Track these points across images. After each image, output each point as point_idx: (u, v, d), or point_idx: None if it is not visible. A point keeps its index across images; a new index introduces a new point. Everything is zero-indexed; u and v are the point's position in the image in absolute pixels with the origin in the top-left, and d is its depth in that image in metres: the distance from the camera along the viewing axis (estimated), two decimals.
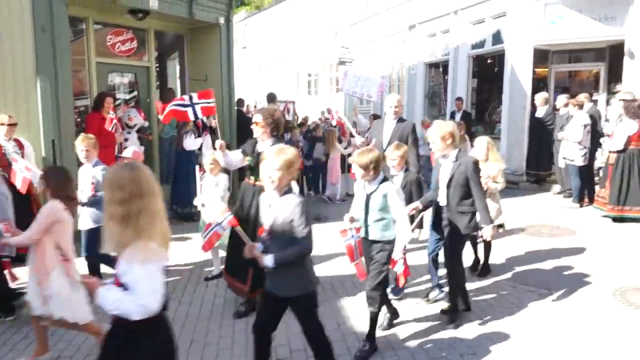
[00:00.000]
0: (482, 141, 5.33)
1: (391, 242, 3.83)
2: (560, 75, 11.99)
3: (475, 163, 4.26)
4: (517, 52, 10.93)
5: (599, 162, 8.59)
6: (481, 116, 12.82)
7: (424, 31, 14.57)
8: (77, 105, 8.22)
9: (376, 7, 17.22)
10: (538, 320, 4.41)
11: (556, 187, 10.01)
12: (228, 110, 9.66)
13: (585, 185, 8.68)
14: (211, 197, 5.54)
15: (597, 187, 8.24)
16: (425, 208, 4.62)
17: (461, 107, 11.49)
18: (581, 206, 8.62)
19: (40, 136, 6.39)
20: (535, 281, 5.32)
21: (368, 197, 3.85)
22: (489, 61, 13.00)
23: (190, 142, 8.23)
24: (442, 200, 4.39)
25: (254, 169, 4.57)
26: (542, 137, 10.15)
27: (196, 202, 5.55)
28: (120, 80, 9.31)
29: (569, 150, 8.59)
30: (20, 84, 6.28)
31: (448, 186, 4.30)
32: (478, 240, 5.52)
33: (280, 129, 4.62)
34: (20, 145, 5.80)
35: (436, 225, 4.56)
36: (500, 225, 5.49)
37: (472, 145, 9.13)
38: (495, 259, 6.11)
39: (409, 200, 4.53)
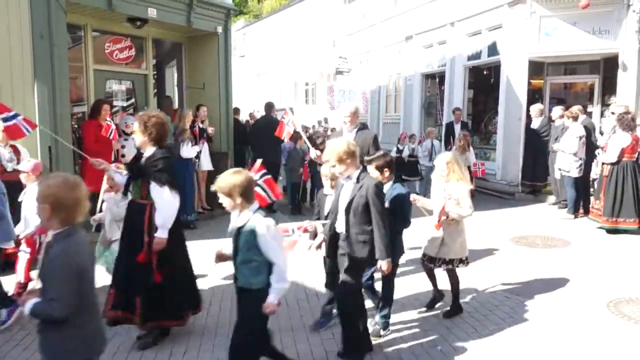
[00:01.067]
0: (442, 159, 4.64)
1: (261, 291, 3.10)
2: (555, 87, 12.06)
3: (378, 185, 3.72)
4: (512, 63, 11.01)
5: (593, 173, 8.63)
6: (477, 127, 12.88)
7: (421, 42, 14.65)
8: (75, 111, 8.24)
9: (373, 18, 17.34)
10: (531, 332, 4.41)
11: (551, 198, 10.04)
12: (225, 118, 9.68)
13: (580, 196, 8.71)
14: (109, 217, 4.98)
15: (592, 199, 8.26)
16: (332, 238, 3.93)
17: (460, 117, 11.51)
18: (576, 217, 8.64)
19: (37, 142, 6.38)
20: (529, 292, 5.32)
21: (238, 231, 3.22)
22: (485, 72, 13.07)
23: (187, 150, 8.23)
24: (340, 227, 3.83)
25: (134, 184, 4.07)
26: (537, 148, 10.19)
27: (93, 221, 5.06)
28: (118, 88, 9.33)
29: (564, 161, 8.62)
30: (18, 90, 6.29)
31: (347, 211, 3.75)
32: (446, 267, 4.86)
33: (163, 138, 4.04)
34: (17, 152, 5.79)
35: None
36: (462, 261, 4.68)
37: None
38: (490, 269, 6.11)
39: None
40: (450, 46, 13.21)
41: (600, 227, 7.69)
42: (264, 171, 4.39)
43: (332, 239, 3.92)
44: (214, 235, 7.77)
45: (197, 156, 8.55)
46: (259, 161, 4.43)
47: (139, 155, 4.19)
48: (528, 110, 10.56)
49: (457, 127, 11.24)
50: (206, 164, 8.91)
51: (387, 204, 3.95)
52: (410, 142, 11.68)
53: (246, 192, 3.13)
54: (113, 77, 9.01)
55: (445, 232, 4.56)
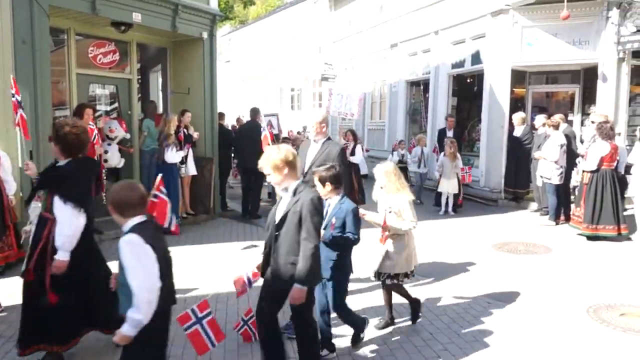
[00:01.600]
0: (379, 169, 4.38)
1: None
2: (537, 96, 12.24)
3: (314, 200, 3.34)
4: (495, 72, 11.15)
5: (574, 180, 8.78)
6: (461, 134, 12.98)
7: (406, 50, 14.78)
8: (57, 116, 8.13)
9: (359, 25, 17.45)
10: (513, 337, 4.46)
11: (533, 205, 10.17)
12: (210, 123, 9.65)
13: (561, 203, 8.84)
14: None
15: (572, 206, 8.39)
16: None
17: (452, 125, 11.45)
18: (557, 224, 8.77)
19: (17, 147, 6.29)
20: (510, 298, 5.38)
21: None
22: (468, 80, 13.22)
23: (172, 155, 8.21)
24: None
25: (45, 195, 3.81)
26: (519, 155, 10.32)
27: (23, 233, 4.50)
28: (101, 92, 9.26)
29: (546, 169, 8.75)
30: None
31: (278, 227, 3.39)
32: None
33: (75, 149, 3.76)
34: None
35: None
36: (407, 275, 4.49)
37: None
38: (471, 276, 6.18)
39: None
40: (434, 54, 13.34)
41: (580, 234, 7.82)
42: (161, 192, 3.87)
43: (267, 258, 3.54)
44: (197, 240, 7.75)
45: (183, 161, 8.52)
46: (159, 176, 3.94)
47: (55, 163, 3.88)
48: (510, 119, 10.70)
49: (450, 134, 11.23)
50: (191, 169, 8.89)
51: (334, 220, 3.81)
52: (400, 149, 11.77)
53: (123, 208, 2.75)
54: (96, 82, 8.94)
55: (390, 245, 4.40)
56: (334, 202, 3.94)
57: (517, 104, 11.70)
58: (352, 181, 5.18)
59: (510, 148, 10.72)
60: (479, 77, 12.19)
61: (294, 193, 3.40)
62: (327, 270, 3.89)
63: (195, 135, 8.96)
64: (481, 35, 11.69)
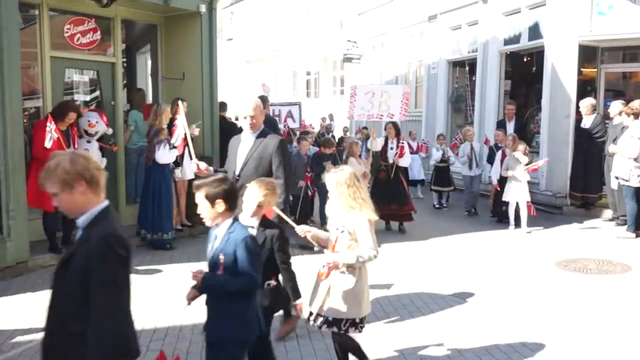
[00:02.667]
0: (330, 179, 4.02)
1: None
2: (611, 77, 12.09)
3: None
4: (558, 48, 11.06)
5: None
6: (521, 127, 12.88)
7: (447, 23, 14.74)
8: (27, 106, 8.28)
9: None
10: None
11: (607, 213, 10.03)
12: (209, 115, 9.71)
13: None
14: None
15: None
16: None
17: (513, 114, 11.36)
18: (638, 236, 8.66)
19: None
20: (579, 329, 5.30)
21: None
22: (525, 59, 13.10)
23: (164, 154, 8.23)
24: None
25: None
26: (590, 151, 10.22)
27: None
28: (79, 78, 9.39)
29: (623, 168, 8.65)
30: None
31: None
32: None
33: None
34: None
35: None
36: (355, 324, 3.99)
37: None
38: (531, 299, 6.10)
39: (266, 268, 3.81)
40: (482, 28, 13.28)
41: None
42: None
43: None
44: (195, 257, 7.78)
45: (177, 162, 8.57)
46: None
47: None
48: (578, 106, 10.59)
49: (510, 127, 11.10)
50: (188, 172, 8.93)
51: (221, 257, 3.31)
52: (439, 144, 11.72)
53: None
54: (74, 66, 9.07)
55: (335, 280, 3.96)
56: (222, 231, 3.41)
57: (586, 88, 11.57)
58: (286, 186, 4.86)
59: (577, 142, 10.62)
60: (538, 55, 12.09)
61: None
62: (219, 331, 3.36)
63: (196, 131, 8.98)
64: (541, 3, 11.61)
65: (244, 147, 4.97)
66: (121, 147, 9.00)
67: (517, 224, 9.41)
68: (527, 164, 9.33)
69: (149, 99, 10.17)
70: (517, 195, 9.39)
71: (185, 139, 8.84)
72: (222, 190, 3.35)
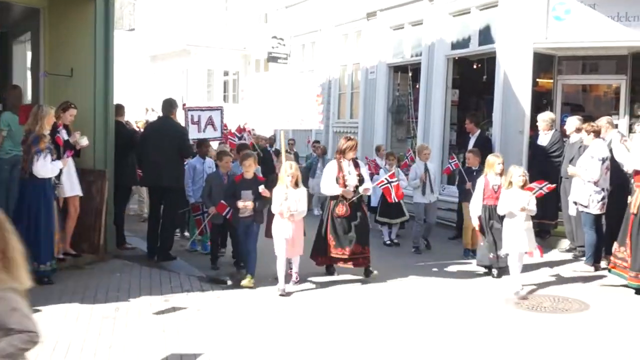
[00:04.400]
0: None
1: None
2: (569, 90, 12.58)
3: None
4: (512, 55, 11.41)
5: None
6: (463, 141, 13.21)
7: (388, 22, 14.99)
8: None
9: None
10: None
11: (564, 243, 10.39)
12: (103, 120, 9.49)
13: (603, 240, 9.01)
14: None
15: (615, 244, 8.52)
16: None
17: (474, 129, 11.50)
18: (597, 269, 8.94)
19: None
20: None
21: None
22: (475, 66, 13.48)
23: (44, 166, 7.95)
24: None
25: None
26: (546, 173, 10.37)
27: None
28: None
29: (582, 192, 8.91)
30: None
31: None
32: None
33: None
34: None
35: None
36: None
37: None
38: (479, 343, 6.21)
39: None
40: (428, 28, 13.56)
41: (626, 285, 7.99)
42: None
43: None
44: (78, 295, 7.52)
45: (59, 176, 8.31)
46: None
47: None
48: (533, 121, 10.95)
49: (472, 142, 11.30)
50: (71, 188, 8.66)
51: None
52: (379, 157, 11.71)
53: None
54: None
55: None
56: None
57: (541, 101, 11.98)
58: None
59: (532, 162, 10.93)
60: (489, 62, 12.46)
61: None
62: None
63: (85, 142, 8.72)
64: (492, 3, 11.96)
65: None
66: None
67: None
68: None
69: (28, 98, 9.85)
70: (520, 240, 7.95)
71: (72, 149, 8.62)
72: None
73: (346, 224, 8.40)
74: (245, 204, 7.95)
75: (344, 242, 8.39)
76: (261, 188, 7.92)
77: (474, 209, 8.81)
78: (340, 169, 8.49)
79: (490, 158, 8.97)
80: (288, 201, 7.74)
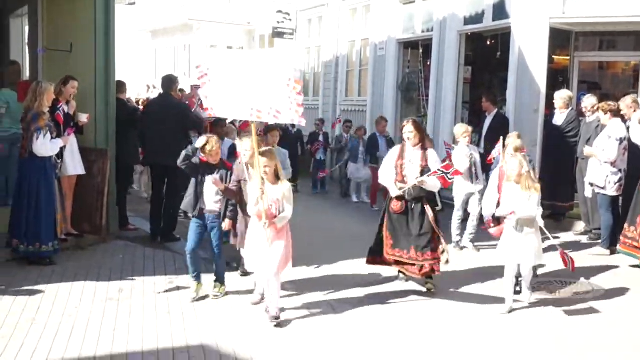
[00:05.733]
0: None
1: None
2: (586, 67, 12.53)
3: None
4: (527, 31, 11.36)
5: None
6: (477, 120, 13.19)
7: None
8: None
9: None
10: None
11: (580, 225, 10.41)
12: (104, 97, 9.51)
13: (619, 223, 9.01)
14: None
15: (625, 225, 8.49)
16: None
17: (491, 108, 11.29)
18: (613, 253, 8.94)
19: None
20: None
21: None
22: (488, 42, 13.42)
23: (44, 145, 7.99)
24: None
25: None
26: (561, 153, 10.51)
27: None
28: None
29: (598, 173, 8.93)
30: None
31: None
32: None
33: None
34: None
35: None
36: None
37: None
38: (491, 332, 6.25)
39: None
40: (439, 2, 13.50)
41: (637, 266, 8.10)
42: None
43: None
44: (81, 275, 7.58)
45: (60, 154, 8.35)
46: None
47: None
48: (549, 99, 10.91)
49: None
50: (74, 167, 8.70)
51: None
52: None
53: None
54: None
55: None
56: None
57: (557, 78, 11.94)
58: None
59: (547, 142, 10.94)
60: (503, 38, 12.41)
61: None
62: None
63: (84, 117, 8.77)
64: None
65: None
66: None
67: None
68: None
69: (26, 75, 9.85)
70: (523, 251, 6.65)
71: (73, 127, 8.65)
72: None
73: (404, 222, 7.27)
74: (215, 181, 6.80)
75: (403, 242, 7.25)
76: (213, 178, 6.81)
77: (487, 207, 7.38)
78: (401, 155, 7.32)
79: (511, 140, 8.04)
80: (266, 201, 6.15)
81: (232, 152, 8.72)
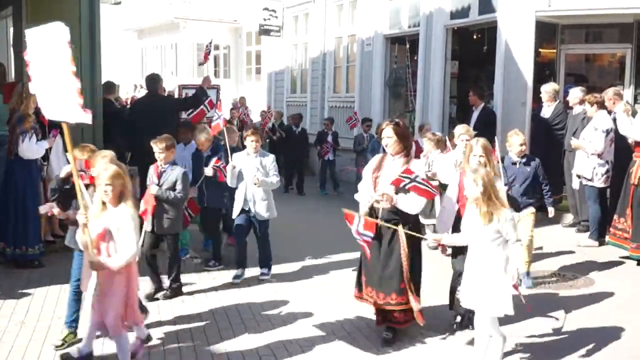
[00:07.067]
0: None
1: None
2: (572, 59, 12.58)
3: None
4: (513, 24, 11.40)
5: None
6: (464, 115, 13.24)
7: None
8: None
9: None
10: None
11: (568, 217, 10.46)
12: (90, 98, 9.45)
13: (607, 214, 9.08)
14: None
15: (615, 216, 8.55)
16: None
17: (478, 102, 11.43)
18: (601, 244, 9.02)
19: None
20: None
21: None
22: (475, 37, 13.45)
23: (30, 147, 7.98)
24: None
25: None
26: (549, 146, 10.55)
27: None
28: None
29: (586, 165, 9.00)
30: None
31: None
32: None
33: None
34: None
35: None
36: None
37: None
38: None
39: None
40: None
41: (627, 257, 8.13)
42: None
43: None
44: (65, 278, 7.54)
45: (46, 156, 8.32)
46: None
47: None
48: (536, 92, 10.96)
49: (475, 115, 11.42)
50: (59, 169, 8.67)
51: None
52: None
53: None
54: None
55: None
56: None
57: (544, 71, 11.98)
58: None
59: (535, 135, 10.98)
60: (489, 32, 12.46)
61: None
62: None
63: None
64: None
65: None
66: None
67: None
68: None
69: (11, 76, 9.82)
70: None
71: (58, 128, 8.62)
72: None
73: (377, 251, 5.77)
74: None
75: (373, 278, 5.82)
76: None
77: (441, 224, 6.28)
78: (379, 165, 5.95)
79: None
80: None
81: (197, 159, 8.45)
